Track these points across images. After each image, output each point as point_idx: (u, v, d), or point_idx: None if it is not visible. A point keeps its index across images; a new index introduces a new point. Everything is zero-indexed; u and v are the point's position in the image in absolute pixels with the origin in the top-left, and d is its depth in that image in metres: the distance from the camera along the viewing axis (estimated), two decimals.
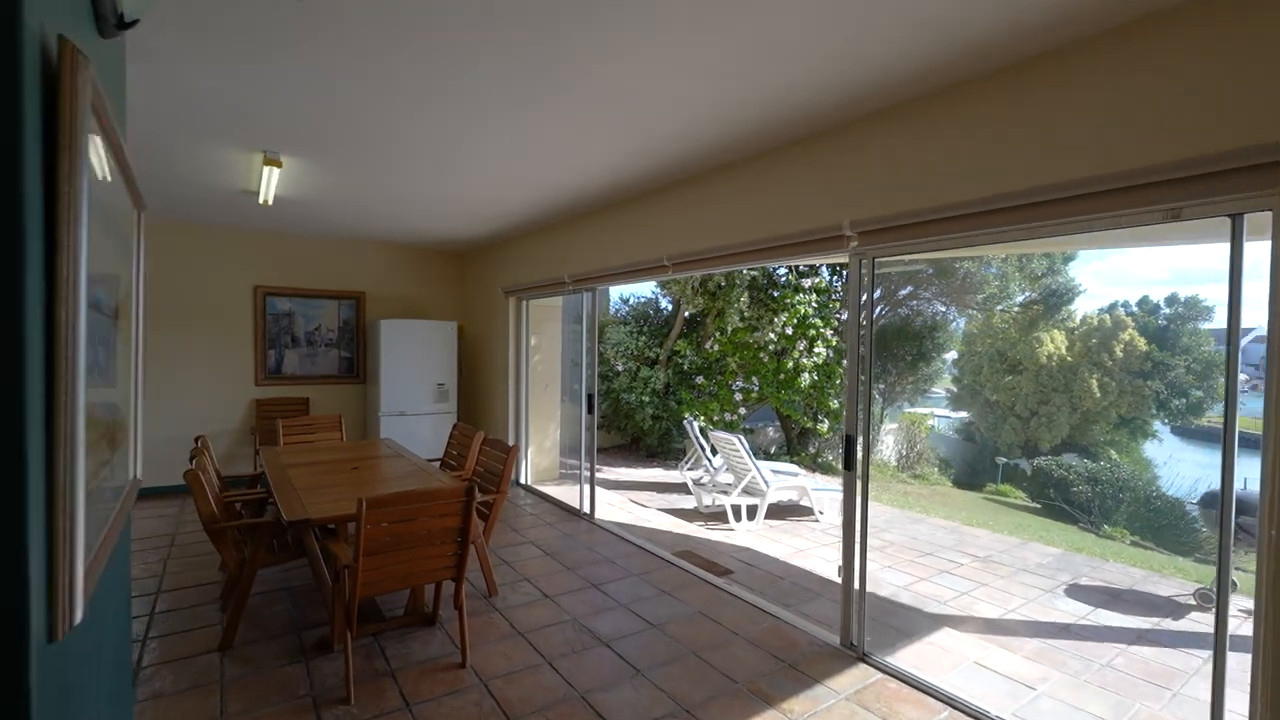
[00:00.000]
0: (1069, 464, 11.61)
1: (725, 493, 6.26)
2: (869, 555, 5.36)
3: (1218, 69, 1.86)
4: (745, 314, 8.85)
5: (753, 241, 3.37)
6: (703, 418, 9.08)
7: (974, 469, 17.54)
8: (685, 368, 9.28)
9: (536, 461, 6.97)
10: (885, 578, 4.71)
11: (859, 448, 3.00)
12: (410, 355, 6.62)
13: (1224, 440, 1.98)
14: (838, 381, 9.63)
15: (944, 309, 13.21)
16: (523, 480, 6.73)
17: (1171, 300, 16.82)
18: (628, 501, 6.58)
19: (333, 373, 6.97)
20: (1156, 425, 17.16)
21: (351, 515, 2.61)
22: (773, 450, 12.87)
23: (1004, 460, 15.56)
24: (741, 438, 6.13)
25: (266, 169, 3.75)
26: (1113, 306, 17.43)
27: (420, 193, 4.69)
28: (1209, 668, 3.68)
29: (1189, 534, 10.24)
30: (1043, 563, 5.24)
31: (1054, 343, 16.87)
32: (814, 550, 5.27)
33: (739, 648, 3.12)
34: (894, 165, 2.74)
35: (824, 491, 6.41)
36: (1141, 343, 16.01)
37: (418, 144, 3.49)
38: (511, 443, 6.66)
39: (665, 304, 10.48)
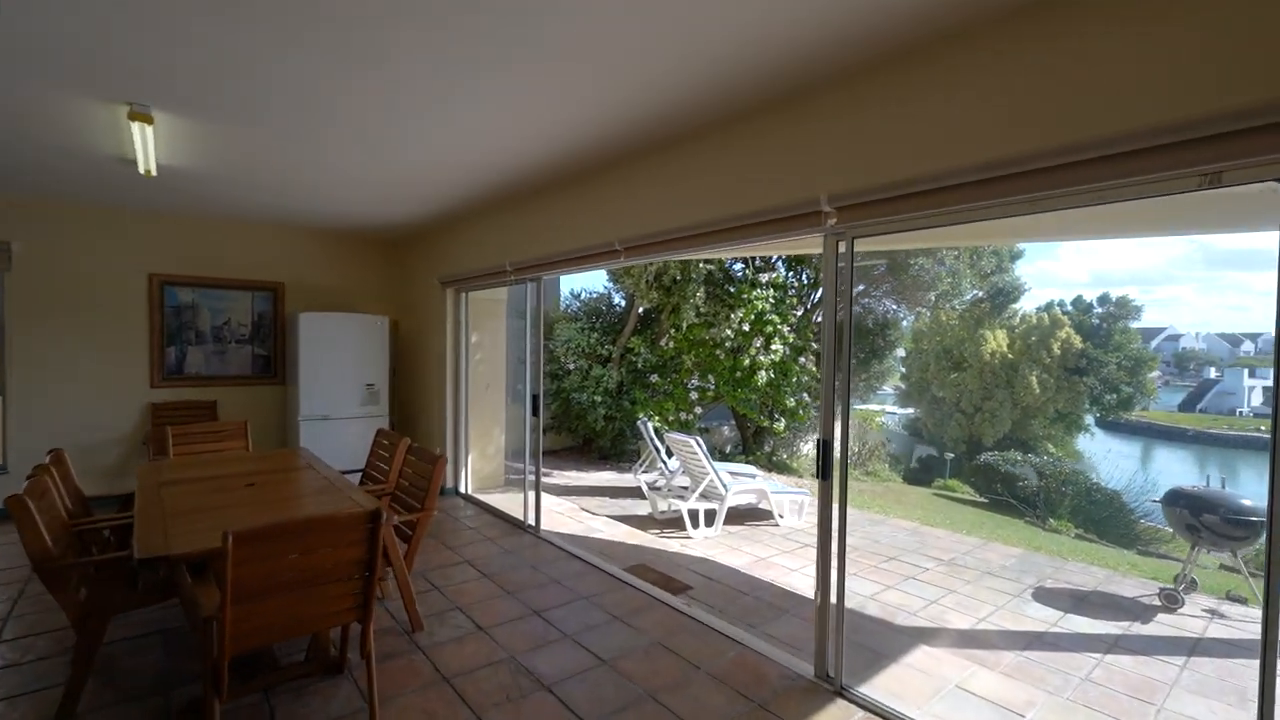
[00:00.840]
0: (1015, 458, 11.83)
1: (682, 498, 5.90)
2: (834, 563, 5.09)
3: (1266, 9, 1.57)
4: (701, 310, 8.53)
5: (716, 222, 2.98)
6: (657, 418, 8.71)
7: (923, 464, 17.88)
8: (639, 366, 8.89)
9: (479, 468, 6.43)
10: (852, 587, 4.42)
11: (836, 452, 2.65)
12: (336, 353, 5.96)
13: (1273, 442, 1.71)
14: (794, 380, 9.43)
15: (894, 307, 13.29)
16: (462, 489, 6.17)
17: (1104, 300, 17.56)
18: (578, 510, 6.12)
19: (246, 373, 6.23)
20: (1088, 419, 17.88)
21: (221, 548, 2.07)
22: (728, 450, 12.64)
23: (951, 455, 15.88)
24: (699, 439, 5.78)
25: (137, 127, 3.11)
26: (1049, 305, 18.05)
27: (335, 167, 4.11)
28: (1187, 676, 3.54)
29: (1127, 526, 10.56)
30: (1006, 565, 5.09)
31: (997, 340, 17.37)
32: (776, 559, 4.96)
33: (702, 686, 2.72)
34: (879, 129, 2.39)
35: (784, 495, 6.12)
36: (1077, 340, 16.65)
37: (321, 108, 2.94)
38: (451, 448, 6.10)
39: (618, 299, 10.06)
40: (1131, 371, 16.33)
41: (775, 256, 9.33)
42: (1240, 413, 47.62)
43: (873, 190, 2.30)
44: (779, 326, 8.79)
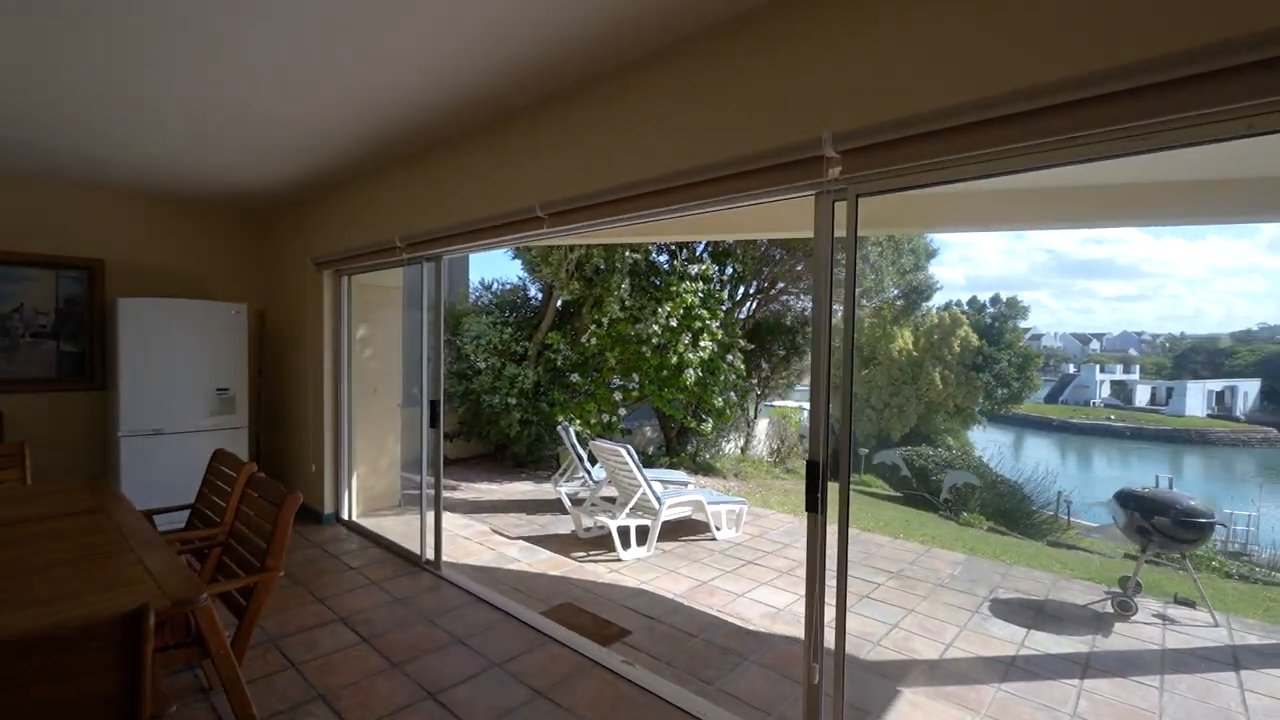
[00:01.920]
0: (927, 453, 12.12)
1: (609, 512, 5.19)
2: (777, 583, 4.61)
3: None
4: (627, 303, 7.85)
5: (675, 176, 2.28)
6: (579, 421, 7.95)
7: (835, 460, 18.28)
8: (559, 364, 8.08)
9: (369, 485, 5.39)
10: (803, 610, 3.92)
11: (830, 473, 2.05)
12: (174, 350, 4.71)
13: None
14: (721, 378, 8.99)
15: (811, 304, 13.27)
16: (345, 514, 5.10)
17: (995, 300, 18.71)
18: (489, 533, 5.26)
19: (48, 375, 4.82)
20: (979, 413, 19.01)
21: None
22: (650, 451, 12.09)
23: (865, 451, 16.26)
24: (630, 449, 5.10)
25: None
26: (948, 305, 18.99)
27: (160, 97, 3.03)
28: (1170, 703, 3.31)
29: (1028, 517, 11.06)
30: (954, 574, 4.80)
31: (904, 338, 18.05)
32: (719, 582, 4.38)
33: None
34: (894, 48, 1.79)
35: (720, 505, 5.58)
36: (974, 339, 17.61)
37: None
38: (331, 465, 5.03)
39: (535, 292, 9.17)
40: (1020, 368, 17.52)
41: (701, 246, 8.83)
42: (1093, 403, 53.90)
43: (893, 125, 1.70)
44: (708, 322, 8.29)
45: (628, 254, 7.53)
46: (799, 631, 3.64)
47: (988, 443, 20.50)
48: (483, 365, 7.99)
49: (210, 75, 2.78)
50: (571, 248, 7.16)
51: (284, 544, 2.21)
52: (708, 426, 9.21)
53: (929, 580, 4.63)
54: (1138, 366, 61.28)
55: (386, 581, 3.83)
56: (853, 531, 6.16)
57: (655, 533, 5.08)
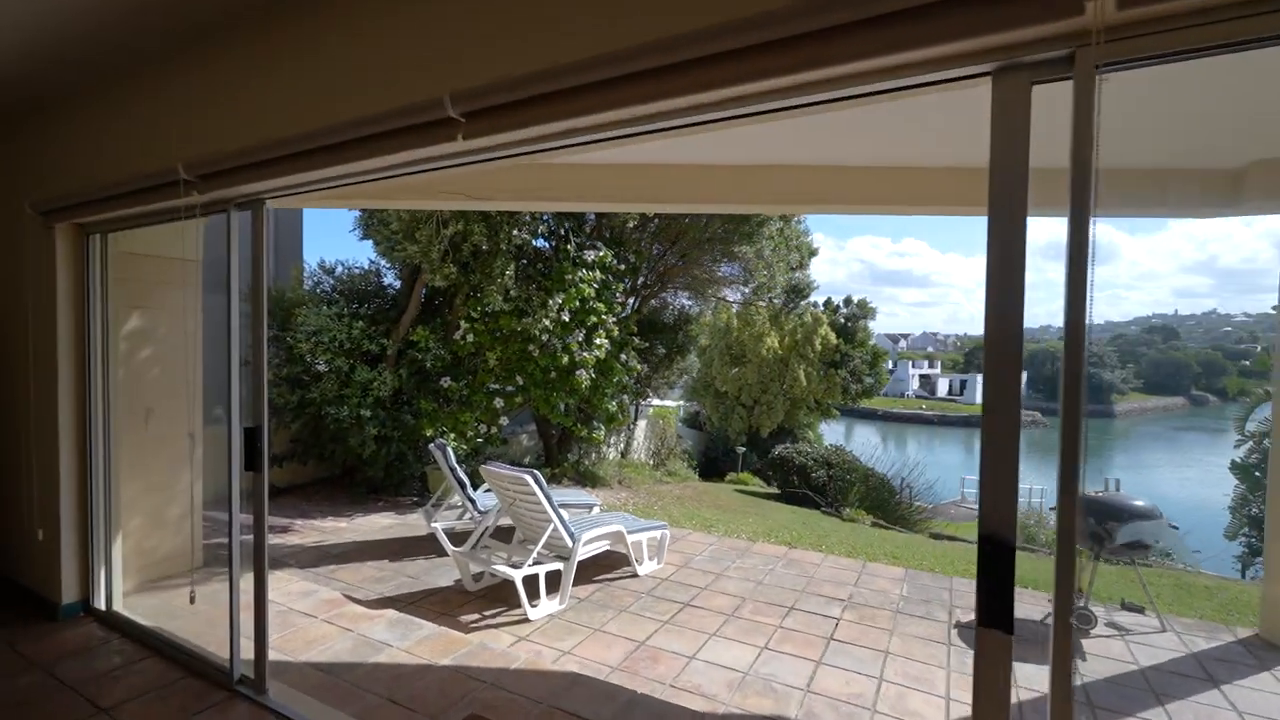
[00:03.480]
0: (806, 450, 12.28)
1: (508, 558, 4.05)
2: (726, 632, 3.77)
3: None
4: (512, 293, 6.63)
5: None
6: (454, 435, 6.58)
7: (708, 458, 18.31)
8: (427, 365, 6.62)
9: (150, 548, 3.69)
10: (774, 670, 3.16)
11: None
12: None
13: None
14: (615, 379, 8.10)
15: (689, 301, 12.91)
16: (101, 603, 3.34)
17: (848, 302, 19.97)
18: (340, 601, 3.84)
19: None
20: (834, 407, 20.22)
21: None
22: (527, 461, 10.87)
23: (743, 449, 16.37)
24: (537, 475, 4.00)
25: None
26: (809, 306, 19.88)
27: None
28: None
29: (895, 508, 11.60)
30: (904, 594, 4.37)
31: (771, 337, 18.56)
32: (661, 639, 3.49)
33: None
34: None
35: (641, 533, 4.68)
36: (832, 337, 18.59)
37: None
38: (72, 528, 3.30)
39: (392, 279, 7.54)
40: (871, 364, 18.81)
41: (591, 220, 7.83)
42: (907, 395, 61.97)
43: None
44: (603, 317, 7.34)
45: (515, 233, 6.32)
46: (776, 704, 2.85)
47: (832, 435, 21.98)
48: (324, 368, 6.31)
49: None
50: (445, 221, 5.80)
51: None
52: (599, 434, 8.26)
53: (884, 607, 4.12)
54: (939, 363, 71.45)
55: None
56: (780, 549, 5.62)
57: (569, 579, 4.04)
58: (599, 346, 7.29)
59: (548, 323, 6.79)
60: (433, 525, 5.04)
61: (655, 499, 9.03)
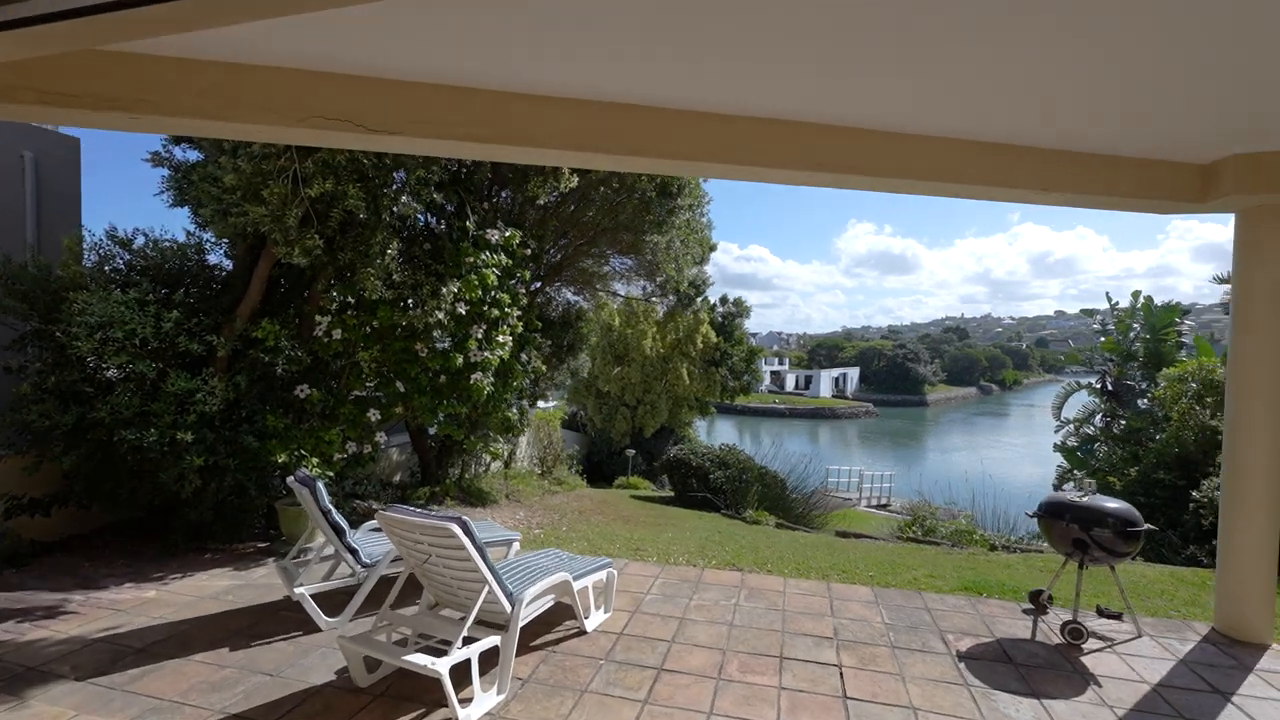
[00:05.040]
0: (701, 451, 11.96)
1: (426, 639, 2.93)
2: (722, 706, 3.03)
3: None
4: (395, 277, 5.28)
5: None
6: (315, 459, 5.08)
7: (593, 462, 17.50)
8: (277, 370, 5.03)
9: None
10: None
11: None
12: None
13: None
14: (516, 383, 7.01)
15: (575, 297, 12.04)
16: None
17: (724, 300, 20.31)
18: None
19: None
20: (711, 405, 20.50)
21: None
22: (397, 479, 9.26)
23: (632, 452, 15.76)
24: (466, 523, 2.91)
25: None
26: (703, 302, 19.89)
27: None
28: None
29: (789, 505, 11.70)
30: (886, 621, 3.93)
31: (651, 336, 18.22)
32: None
33: None
34: None
35: (586, 578, 3.75)
36: (713, 335, 18.73)
37: None
38: None
39: (219, 256, 5.72)
40: (748, 361, 19.27)
41: (501, 196, 6.63)
42: (760, 390, 66.36)
43: None
44: (507, 310, 6.21)
45: (404, 199, 5.00)
46: None
47: (699, 433, 22.33)
48: (116, 375, 4.51)
49: None
50: (306, 178, 4.34)
51: None
52: (499, 447, 7.09)
53: (876, 641, 3.63)
54: (788, 359, 77.42)
55: None
56: (734, 576, 4.98)
57: (510, 657, 3.02)
58: (501, 345, 6.16)
59: (440, 315, 5.53)
60: (296, 590, 3.67)
61: (556, 515, 8.02)
